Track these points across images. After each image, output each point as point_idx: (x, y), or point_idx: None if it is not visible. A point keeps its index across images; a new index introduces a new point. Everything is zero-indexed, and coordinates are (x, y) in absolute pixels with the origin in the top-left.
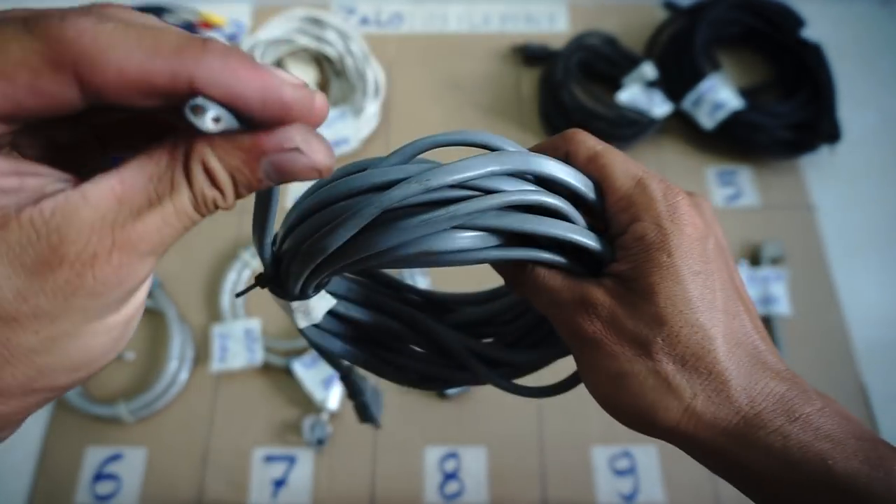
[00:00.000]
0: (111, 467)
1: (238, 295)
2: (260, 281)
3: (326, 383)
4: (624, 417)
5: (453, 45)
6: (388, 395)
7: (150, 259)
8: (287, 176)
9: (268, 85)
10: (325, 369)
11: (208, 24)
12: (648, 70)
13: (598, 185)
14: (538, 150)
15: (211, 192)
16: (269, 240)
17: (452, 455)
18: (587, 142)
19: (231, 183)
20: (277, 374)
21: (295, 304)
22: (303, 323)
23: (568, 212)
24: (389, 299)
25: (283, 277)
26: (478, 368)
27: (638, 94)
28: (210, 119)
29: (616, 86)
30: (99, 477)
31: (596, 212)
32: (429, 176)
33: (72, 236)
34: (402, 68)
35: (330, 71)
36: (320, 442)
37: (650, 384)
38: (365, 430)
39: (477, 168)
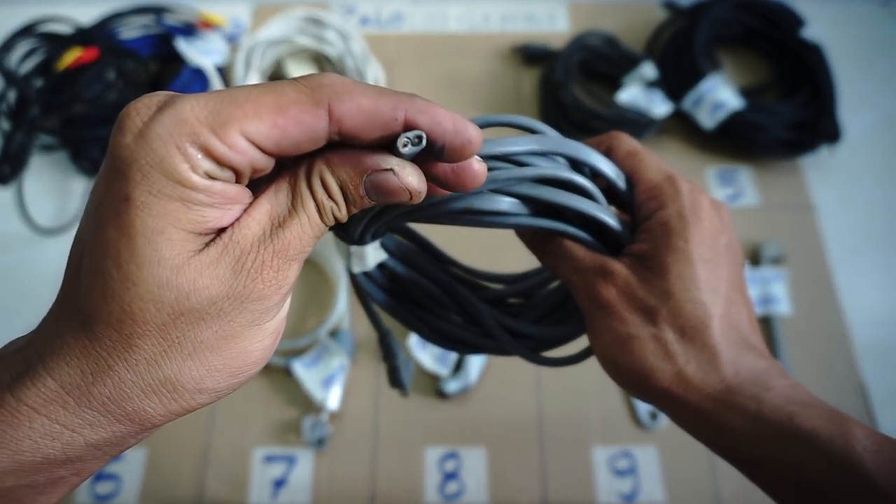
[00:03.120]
0: (111, 467)
1: None
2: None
3: (326, 383)
4: (624, 377)
5: (453, 44)
6: (388, 396)
7: (296, 264)
8: (382, 192)
9: (458, 123)
10: (326, 369)
11: (208, 25)
12: (648, 70)
13: (631, 179)
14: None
15: (328, 202)
16: None
17: (452, 455)
18: (629, 141)
19: (341, 194)
20: (277, 374)
21: (353, 249)
22: (357, 268)
23: (595, 193)
24: (433, 266)
25: (346, 222)
26: (504, 338)
27: (638, 94)
28: (411, 146)
29: (616, 86)
30: (99, 477)
31: (624, 202)
32: (486, 144)
33: (247, 249)
34: (402, 68)
35: (330, 71)
36: (320, 442)
37: (651, 348)
38: (365, 430)
39: (520, 145)
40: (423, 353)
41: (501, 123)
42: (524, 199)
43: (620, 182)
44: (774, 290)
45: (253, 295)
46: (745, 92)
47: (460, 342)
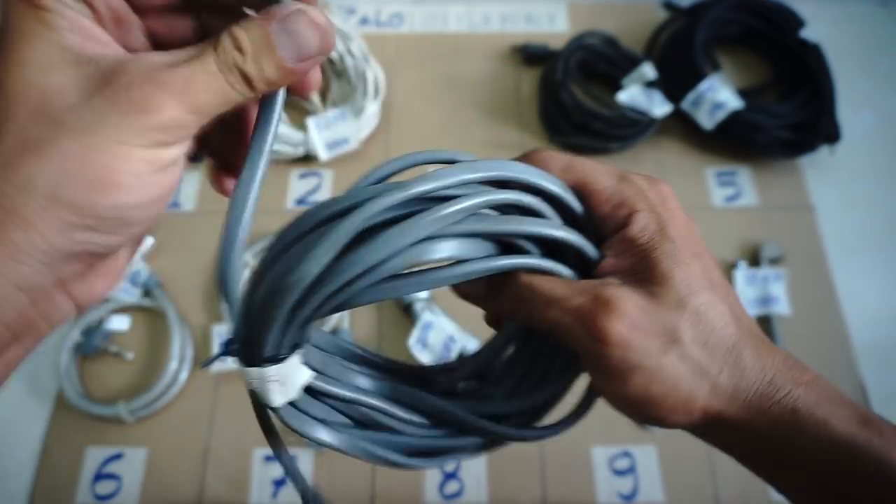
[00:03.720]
0: (111, 467)
1: (204, 365)
2: (228, 345)
3: None
4: (655, 413)
5: (453, 45)
6: None
7: (174, 102)
8: (295, 38)
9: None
10: None
11: None
12: (648, 70)
13: (581, 193)
14: None
15: (232, 54)
16: (237, 271)
17: None
18: (557, 156)
19: (252, 47)
20: None
21: (271, 371)
22: (280, 399)
23: (547, 212)
24: (370, 372)
25: (253, 335)
26: (490, 428)
27: (638, 94)
28: None
29: (616, 86)
30: (99, 477)
31: (579, 220)
32: (406, 186)
33: (122, 70)
34: (402, 68)
35: (330, 71)
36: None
37: (682, 372)
38: None
39: (451, 176)
40: (423, 354)
41: (422, 162)
42: (475, 235)
43: (571, 198)
44: (774, 291)
45: (113, 108)
46: (745, 92)
47: (442, 451)
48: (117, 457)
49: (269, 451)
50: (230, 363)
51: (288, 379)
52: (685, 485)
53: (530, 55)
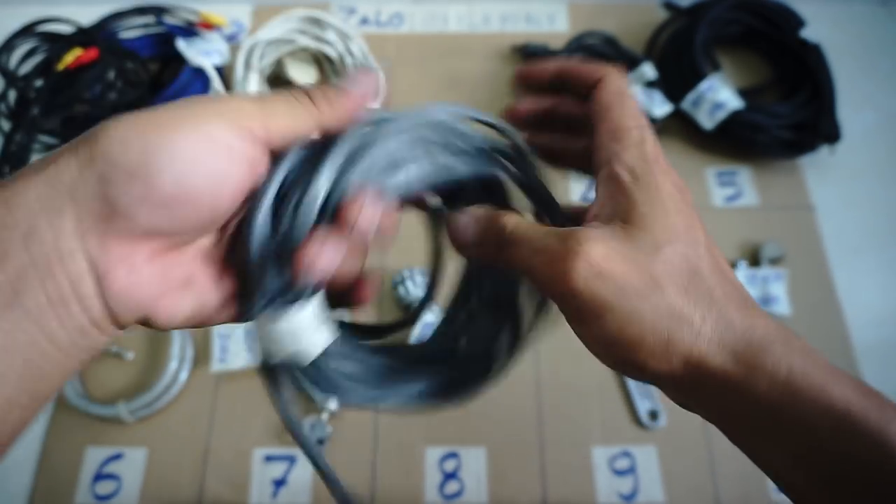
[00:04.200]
0: (111, 467)
1: (244, 318)
2: (272, 298)
3: None
4: (633, 361)
5: (453, 45)
6: None
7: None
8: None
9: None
10: None
11: (208, 25)
12: (648, 70)
13: (603, 116)
14: (574, 65)
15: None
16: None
17: (452, 455)
18: (621, 81)
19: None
20: None
21: (307, 313)
22: (321, 343)
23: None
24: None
25: (287, 270)
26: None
27: (638, 94)
28: None
29: None
30: (99, 477)
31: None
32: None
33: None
34: (402, 68)
35: (330, 71)
36: (320, 442)
37: (663, 315)
38: (365, 430)
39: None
40: None
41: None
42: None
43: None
44: (774, 291)
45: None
46: (745, 92)
47: (462, 382)
48: (117, 457)
49: (268, 451)
50: (230, 363)
51: (321, 322)
52: (685, 485)
53: (530, 55)
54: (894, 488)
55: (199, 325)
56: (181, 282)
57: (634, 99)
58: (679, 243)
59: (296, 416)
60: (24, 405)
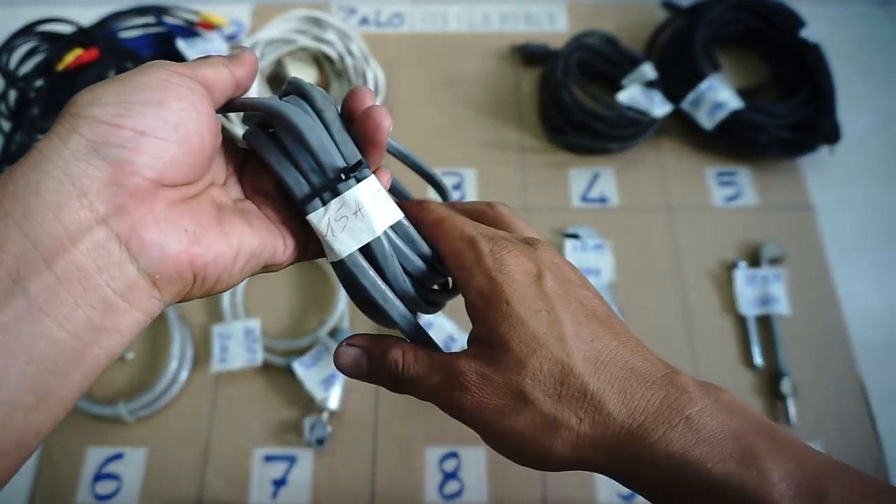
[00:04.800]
0: (112, 467)
1: (327, 189)
2: (347, 171)
3: (326, 383)
4: (532, 464)
5: (453, 44)
6: (388, 396)
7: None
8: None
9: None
10: (326, 369)
11: (208, 25)
12: (648, 70)
13: (437, 251)
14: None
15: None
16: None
17: (452, 455)
18: (435, 210)
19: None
20: (277, 374)
21: (378, 185)
22: (394, 215)
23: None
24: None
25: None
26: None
27: (638, 94)
28: None
29: (616, 86)
30: (99, 477)
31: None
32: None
33: None
34: (402, 68)
35: (330, 71)
36: (320, 442)
37: (539, 425)
38: (365, 430)
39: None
40: None
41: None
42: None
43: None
44: (774, 290)
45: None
46: (745, 92)
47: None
48: (117, 457)
49: (268, 451)
50: (230, 363)
51: (386, 197)
52: None
53: (530, 55)
54: None
55: (259, 269)
56: (212, 226)
57: (455, 216)
58: (542, 349)
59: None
60: (29, 407)
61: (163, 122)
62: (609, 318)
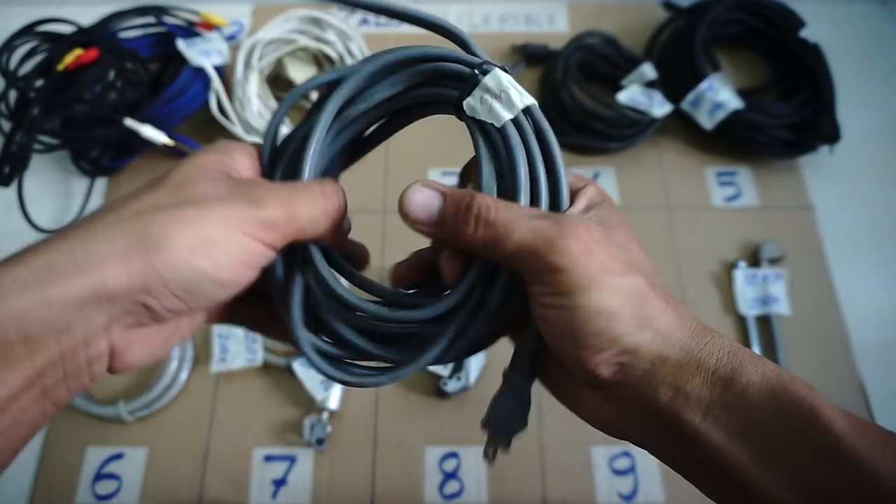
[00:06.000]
0: (112, 467)
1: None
2: (481, 67)
3: (326, 383)
4: (609, 332)
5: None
6: (388, 396)
7: (287, 224)
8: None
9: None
10: None
11: (208, 25)
12: (648, 70)
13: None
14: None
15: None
16: None
17: (452, 455)
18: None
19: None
20: (277, 374)
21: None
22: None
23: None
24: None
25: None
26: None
27: (638, 94)
28: None
29: (616, 86)
30: (99, 477)
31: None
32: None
33: (257, 183)
34: None
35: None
36: (320, 442)
37: (637, 292)
38: (365, 430)
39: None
40: None
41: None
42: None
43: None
44: (774, 290)
45: (234, 196)
46: (745, 92)
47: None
48: (117, 457)
49: (268, 451)
50: (230, 363)
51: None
52: (685, 485)
53: (530, 55)
54: (826, 460)
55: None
56: (168, 340)
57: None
58: (639, 249)
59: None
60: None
61: (216, 301)
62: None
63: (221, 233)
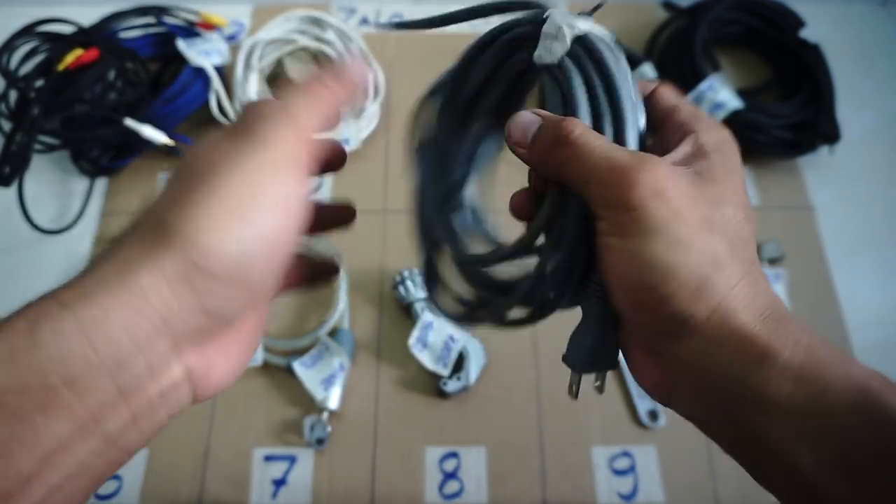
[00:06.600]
0: None
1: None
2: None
3: (326, 383)
4: (664, 290)
5: (453, 45)
6: (388, 396)
7: (300, 144)
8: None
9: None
10: (326, 369)
11: (208, 25)
12: (648, 70)
13: (674, 108)
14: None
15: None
16: None
17: (452, 455)
18: (675, 98)
19: None
20: (277, 374)
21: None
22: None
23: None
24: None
25: None
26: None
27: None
28: None
29: None
30: None
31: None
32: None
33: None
34: (402, 68)
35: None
36: (320, 442)
37: (707, 254)
38: (365, 430)
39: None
40: (423, 354)
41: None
42: None
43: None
44: (773, 291)
45: (246, 149)
46: (745, 92)
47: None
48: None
49: (268, 451)
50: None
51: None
52: (685, 485)
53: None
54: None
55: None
56: (249, 351)
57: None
58: (740, 211)
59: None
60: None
61: (276, 270)
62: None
63: (251, 188)
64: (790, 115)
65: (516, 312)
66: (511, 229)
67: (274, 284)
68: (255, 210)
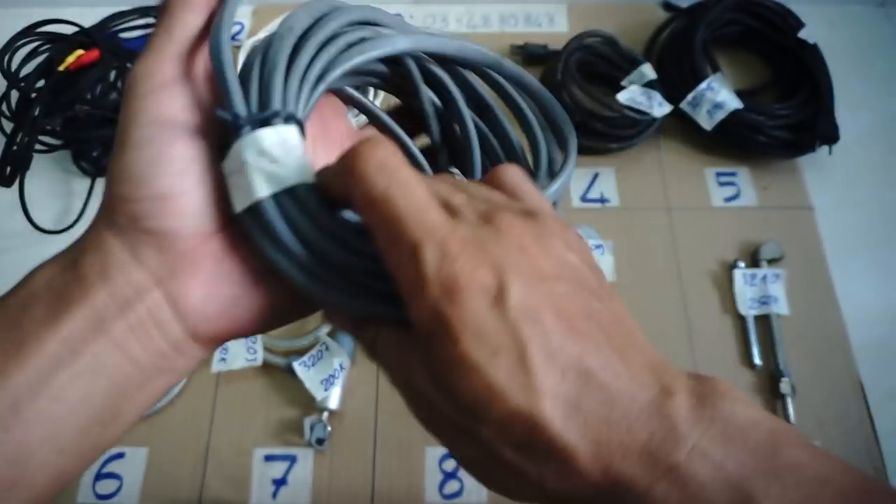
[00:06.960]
0: (112, 466)
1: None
2: (236, 119)
3: (326, 383)
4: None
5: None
6: (389, 396)
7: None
8: None
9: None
10: (326, 369)
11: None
12: (648, 70)
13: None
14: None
15: None
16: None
17: None
18: (372, 176)
19: None
20: (277, 374)
21: (270, 135)
22: (266, 187)
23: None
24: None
25: (259, 91)
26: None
27: (638, 94)
28: None
29: (616, 87)
30: (99, 476)
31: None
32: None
33: None
34: None
35: None
36: (320, 442)
37: (499, 473)
38: (365, 430)
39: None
40: None
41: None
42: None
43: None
44: (773, 291)
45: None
46: (744, 93)
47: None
48: (118, 456)
49: (268, 451)
50: (230, 363)
51: (284, 155)
52: None
53: (530, 55)
54: None
55: (283, 321)
56: (250, 286)
57: (405, 193)
58: (497, 405)
59: None
60: (105, 422)
61: (171, 177)
62: (610, 316)
63: (123, 121)
64: (789, 116)
65: None
66: None
67: (208, 201)
68: (133, 130)
